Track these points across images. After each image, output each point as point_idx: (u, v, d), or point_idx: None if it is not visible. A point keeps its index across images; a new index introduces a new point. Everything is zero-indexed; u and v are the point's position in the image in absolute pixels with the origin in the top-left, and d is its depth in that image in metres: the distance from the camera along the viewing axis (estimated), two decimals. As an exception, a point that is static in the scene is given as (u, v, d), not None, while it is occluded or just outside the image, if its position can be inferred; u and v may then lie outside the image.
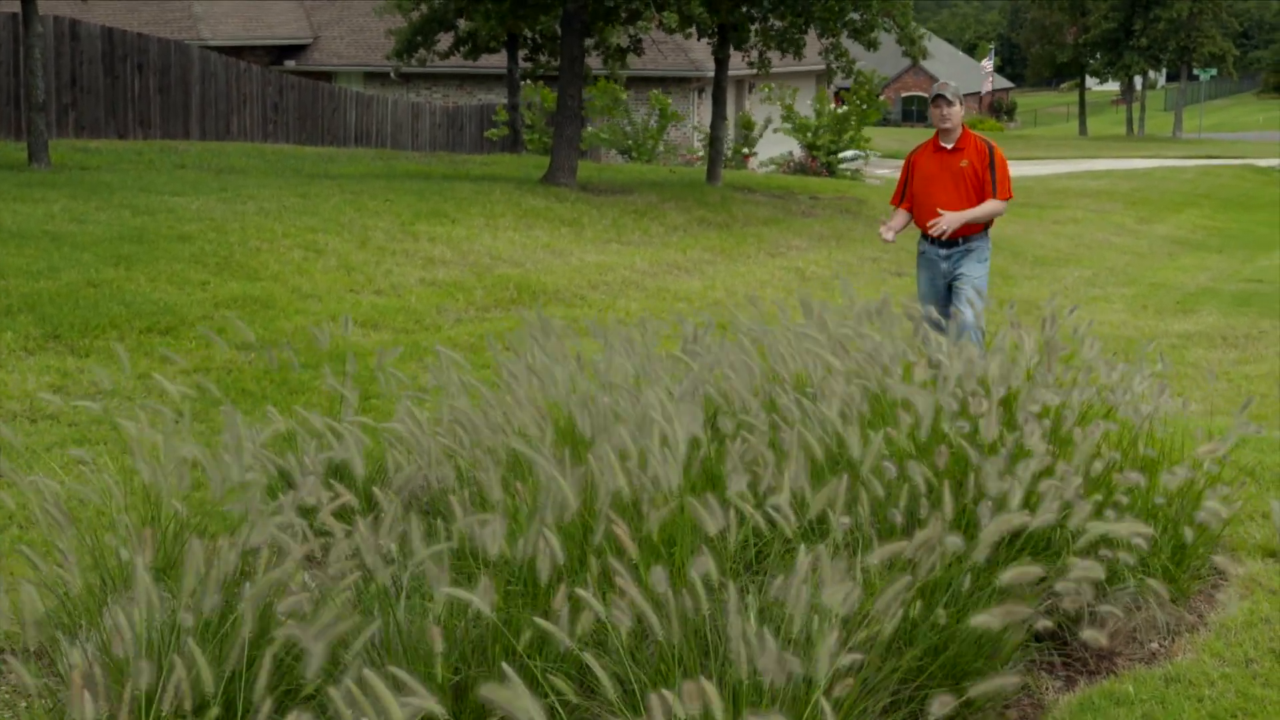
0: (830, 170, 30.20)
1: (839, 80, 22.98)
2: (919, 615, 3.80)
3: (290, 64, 32.45)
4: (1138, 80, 65.94)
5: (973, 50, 79.89)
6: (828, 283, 13.08)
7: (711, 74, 21.65)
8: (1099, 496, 4.57)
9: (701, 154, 27.30)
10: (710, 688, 2.83)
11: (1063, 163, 40.41)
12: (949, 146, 7.58)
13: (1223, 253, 20.73)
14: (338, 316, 8.54)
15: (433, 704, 2.74)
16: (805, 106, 31.95)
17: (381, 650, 3.52)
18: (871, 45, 19.48)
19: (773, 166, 31.24)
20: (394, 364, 7.57)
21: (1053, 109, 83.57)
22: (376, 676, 2.73)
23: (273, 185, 14.50)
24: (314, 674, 2.95)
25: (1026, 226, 21.09)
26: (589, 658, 3.17)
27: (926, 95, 7.57)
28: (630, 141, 27.99)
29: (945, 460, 4.44)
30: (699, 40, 21.28)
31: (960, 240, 7.55)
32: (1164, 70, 71.56)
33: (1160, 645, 4.58)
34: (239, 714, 3.19)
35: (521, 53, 23.83)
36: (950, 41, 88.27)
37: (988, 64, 67.21)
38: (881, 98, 30.56)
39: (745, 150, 30.40)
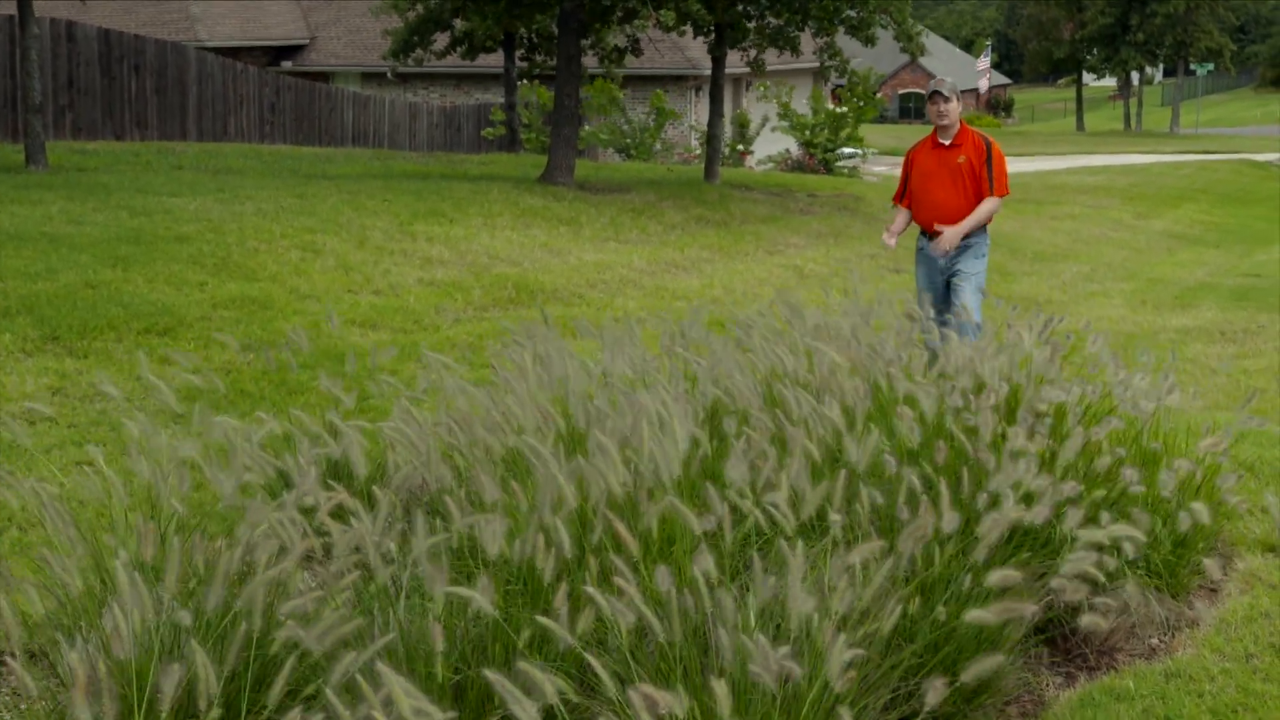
0: (828, 168, 30.20)
1: (834, 79, 22.99)
2: (918, 612, 3.81)
3: (287, 65, 32.45)
4: (1135, 76, 65.93)
5: (970, 47, 79.73)
6: (826, 280, 13.07)
7: (708, 72, 21.65)
8: (1102, 491, 4.57)
9: (699, 152, 27.30)
10: (720, 686, 2.84)
11: (1060, 158, 40.40)
12: (947, 143, 7.58)
13: (1220, 248, 20.74)
14: (336, 317, 8.52)
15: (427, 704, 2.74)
16: (802, 104, 31.95)
17: (381, 650, 3.51)
18: (869, 42, 19.50)
19: (770, 164, 31.25)
20: (393, 364, 7.60)
21: (1050, 105, 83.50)
22: (391, 672, 2.73)
23: (270, 186, 14.48)
24: (334, 684, 2.94)
25: (1024, 222, 21.09)
26: (590, 656, 3.17)
27: (924, 92, 7.57)
28: (628, 140, 27.99)
29: (945, 456, 4.44)
30: (695, 39, 21.28)
31: (959, 237, 7.54)
32: (1161, 65, 71.55)
33: (1160, 641, 4.58)
34: (240, 714, 3.18)
35: (518, 52, 23.84)
36: (947, 38, 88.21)
37: (985, 60, 67.15)
38: (879, 95, 30.58)
39: (742, 148, 30.40)
